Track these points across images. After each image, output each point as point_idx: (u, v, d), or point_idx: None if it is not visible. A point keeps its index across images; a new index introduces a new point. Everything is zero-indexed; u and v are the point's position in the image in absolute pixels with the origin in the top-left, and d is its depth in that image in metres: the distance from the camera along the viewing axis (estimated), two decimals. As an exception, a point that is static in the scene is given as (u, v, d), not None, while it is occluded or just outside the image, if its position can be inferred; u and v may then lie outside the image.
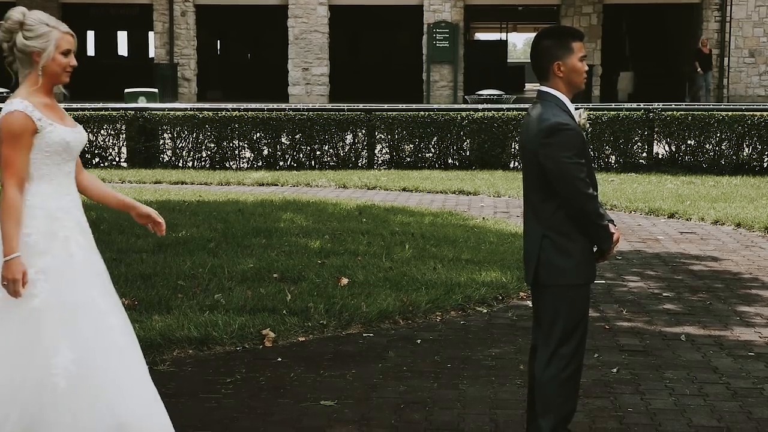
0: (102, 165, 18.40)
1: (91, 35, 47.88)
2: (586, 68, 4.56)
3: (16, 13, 4.41)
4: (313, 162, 18.14)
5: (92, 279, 4.48)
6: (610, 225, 4.59)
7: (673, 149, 17.68)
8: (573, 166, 4.38)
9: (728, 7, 32.54)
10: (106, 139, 18.54)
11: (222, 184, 15.92)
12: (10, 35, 4.39)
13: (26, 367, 4.17)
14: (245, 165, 18.29)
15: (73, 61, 4.48)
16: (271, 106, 19.01)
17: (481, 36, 59.87)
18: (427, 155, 18.08)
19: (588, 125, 4.59)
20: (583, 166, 4.43)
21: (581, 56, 4.51)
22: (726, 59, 32.58)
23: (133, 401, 4.30)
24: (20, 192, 4.27)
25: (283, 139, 18.21)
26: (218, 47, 45.88)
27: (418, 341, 6.94)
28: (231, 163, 18.33)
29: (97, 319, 4.35)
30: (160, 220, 4.76)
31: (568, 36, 4.52)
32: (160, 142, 18.49)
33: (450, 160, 18.06)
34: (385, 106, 18.86)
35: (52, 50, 4.37)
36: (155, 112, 18.63)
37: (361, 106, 18.66)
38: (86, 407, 4.18)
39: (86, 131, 18.39)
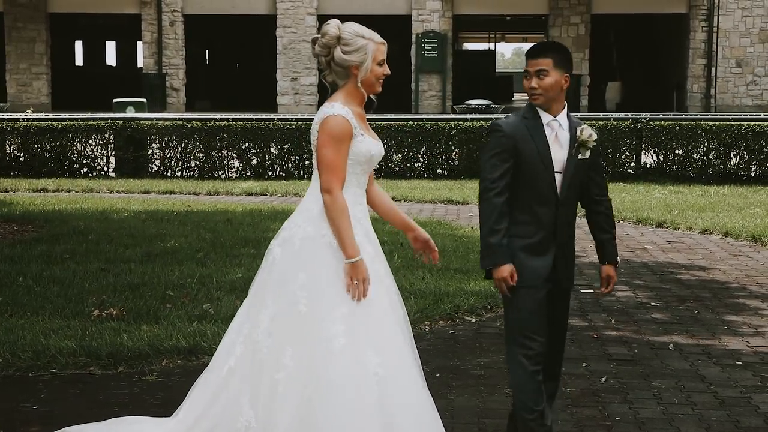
0: (90, 175, 18.36)
1: (79, 45, 47.84)
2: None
3: (332, 27, 4.44)
4: (301, 171, 18.13)
5: (379, 286, 4.45)
6: (503, 260, 4.57)
7: (661, 159, 17.73)
8: (485, 166, 4.57)
9: (715, 18, 32.69)
10: (95, 149, 18.50)
11: (211, 194, 15.90)
12: (328, 50, 4.43)
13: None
14: (234, 175, 18.28)
15: (387, 70, 4.53)
16: (259, 115, 19.01)
17: (469, 46, 60.03)
18: (416, 165, 18.09)
19: (590, 143, 4.63)
20: (496, 168, 4.53)
21: None
22: (713, 69, 32.71)
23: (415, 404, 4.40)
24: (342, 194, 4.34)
25: (271, 149, 18.20)
26: (207, 57, 45.90)
27: (407, 351, 6.94)
28: (220, 173, 18.32)
29: (387, 324, 4.41)
30: (435, 248, 4.74)
31: None
32: (149, 152, 18.46)
33: (439, 170, 18.08)
34: (374, 115, 18.85)
35: (369, 63, 4.43)
36: (144, 122, 18.60)
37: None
38: (398, 408, 4.27)
39: (74, 141, 18.33)
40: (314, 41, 4.49)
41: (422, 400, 4.43)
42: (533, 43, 4.92)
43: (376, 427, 4.21)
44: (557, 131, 4.62)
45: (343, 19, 4.65)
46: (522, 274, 4.60)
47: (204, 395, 4.52)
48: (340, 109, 4.39)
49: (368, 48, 4.44)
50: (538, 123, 4.60)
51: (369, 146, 4.48)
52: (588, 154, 4.63)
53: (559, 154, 4.61)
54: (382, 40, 4.51)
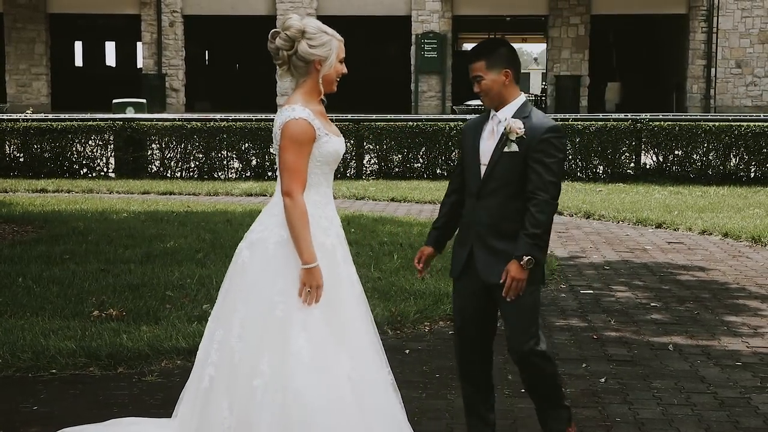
0: (90, 175, 18.37)
1: (79, 46, 47.83)
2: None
3: (296, 21, 4.40)
4: (301, 172, 18.10)
5: (350, 289, 4.46)
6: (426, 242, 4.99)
7: (661, 159, 17.74)
8: None
9: (715, 18, 32.69)
10: (94, 150, 18.52)
11: (210, 195, 15.91)
12: (292, 43, 4.37)
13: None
14: (233, 175, 18.28)
15: (345, 69, 4.48)
16: (259, 116, 19.03)
17: (469, 46, 59.99)
18: (416, 165, 18.10)
19: (512, 136, 4.63)
20: (457, 166, 4.93)
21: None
22: (713, 70, 32.71)
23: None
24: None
25: (271, 150, 18.19)
26: (206, 58, 45.90)
27: (407, 351, 6.94)
28: (219, 174, 18.32)
29: (358, 327, 4.43)
30: None
31: None
32: (149, 153, 18.47)
33: (438, 171, 18.08)
34: (374, 116, 18.89)
35: (333, 59, 4.39)
36: (143, 122, 18.62)
37: (349, 116, 18.67)
38: (372, 411, 4.31)
39: (74, 142, 18.37)
40: (274, 35, 4.40)
41: (392, 401, 4.45)
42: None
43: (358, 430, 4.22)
44: (495, 126, 4.68)
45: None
46: (451, 264, 4.87)
47: (192, 409, 4.48)
48: (301, 111, 4.33)
49: (332, 44, 4.41)
50: (485, 118, 4.74)
51: (336, 145, 4.45)
52: (514, 147, 4.59)
53: (488, 147, 4.67)
54: (341, 38, 4.49)
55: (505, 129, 4.62)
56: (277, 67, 4.48)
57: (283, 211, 4.34)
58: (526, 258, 4.52)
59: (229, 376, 4.32)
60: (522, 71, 5.17)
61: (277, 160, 4.45)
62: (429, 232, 5.00)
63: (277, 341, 4.25)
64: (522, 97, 4.72)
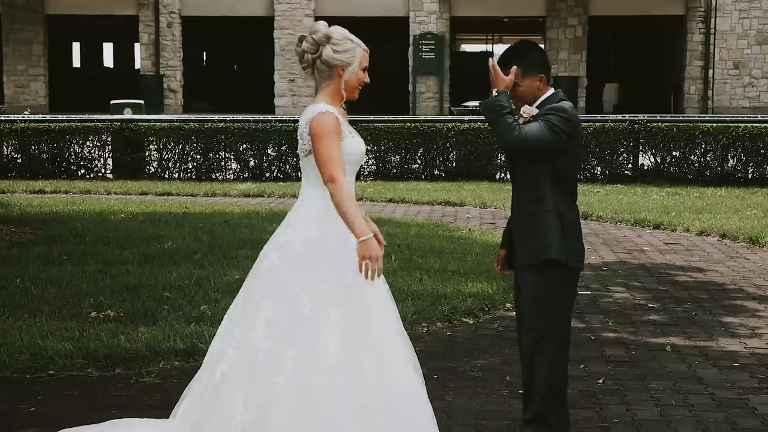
0: (88, 176, 18.36)
1: (76, 47, 47.80)
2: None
3: (322, 26, 4.51)
4: (299, 173, 18.04)
5: (379, 288, 4.49)
6: None
7: (659, 160, 17.75)
8: None
9: (712, 20, 32.70)
10: (92, 151, 18.51)
11: (208, 196, 15.90)
12: (317, 47, 4.48)
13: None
14: (231, 176, 18.28)
15: (367, 78, 4.59)
16: (257, 117, 19.03)
17: (466, 48, 60.01)
18: (414, 166, 18.10)
19: (520, 118, 4.73)
20: None
21: None
22: (710, 71, 32.73)
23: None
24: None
25: (269, 151, 18.21)
26: (204, 59, 45.87)
27: (405, 352, 6.94)
28: (217, 175, 18.32)
29: (387, 329, 4.47)
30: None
31: None
32: (146, 154, 18.46)
33: (436, 172, 18.08)
34: (371, 117, 18.88)
35: (356, 66, 4.50)
36: (141, 123, 18.61)
37: (347, 117, 18.64)
38: (398, 416, 4.34)
39: (71, 143, 18.33)
40: (302, 39, 4.52)
41: (421, 404, 4.44)
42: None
43: None
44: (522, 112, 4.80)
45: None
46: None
47: (199, 402, 4.50)
48: (326, 107, 4.44)
49: (356, 52, 4.51)
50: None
51: (359, 145, 4.56)
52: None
53: None
54: (367, 48, 4.58)
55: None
56: (302, 70, 4.58)
57: (310, 211, 4.44)
58: (494, 92, 4.63)
59: (248, 373, 4.33)
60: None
61: (301, 164, 4.53)
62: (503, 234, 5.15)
63: (302, 339, 4.29)
64: (551, 91, 4.79)
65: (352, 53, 4.49)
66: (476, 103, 22.91)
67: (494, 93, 4.64)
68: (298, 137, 4.52)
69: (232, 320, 4.55)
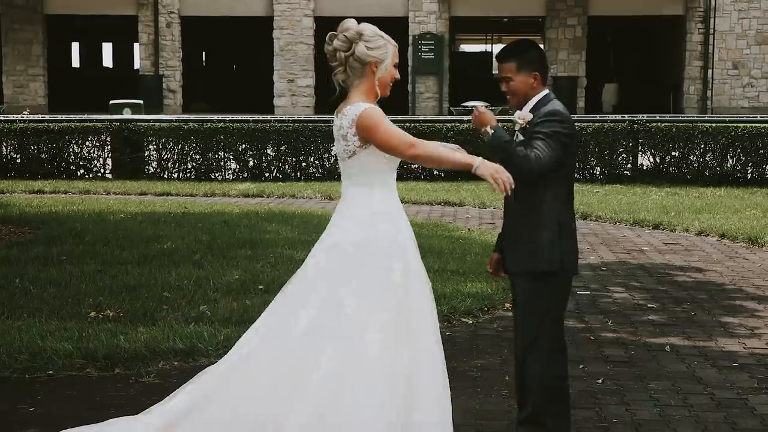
0: (87, 177, 18.35)
1: (76, 47, 47.79)
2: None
3: (353, 24, 4.52)
4: (298, 173, 18.13)
5: (422, 287, 4.57)
6: None
7: (658, 161, 17.75)
8: None
9: (712, 20, 32.70)
10: (91, 151, 18.51)
11: (207, 196, 15.90)
12: (350, 45, 4.48)
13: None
14: (231, 176, 18.28)
15: (398, 75, 4.59)
16: (256, 117, 19.03)
17: (466, 48, 60.01)
18: (413, 166, 18.08)
19: (515, 126, 4.76)
20: None
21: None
22: (710, 71, 32.72)
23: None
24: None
25: (268, 151, 18.21)
26: (204, 59, 45.86)
27: (404, 352, 6.94)
28: (216, 175, 18.32)
29: (426, 337, 4.49)
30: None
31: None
32: (146, 154, 18.46)
33: (435, 171, 18.08)
34: (371, 117, 18.85)
35: (389, 62, 4.50)
36: (140, 123, 18.61)
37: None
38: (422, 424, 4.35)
39: (71, 143, 18.29)
40: (332, 37, 4.51)
41: (445, 415, 4.48)
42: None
43: None
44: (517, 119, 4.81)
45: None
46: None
47: (213, 379, 4.53)
48: (366, 105, 4.45)
49: (388, 48, 4.52)
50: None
51: None
52: (520, 136, 4.73)
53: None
54: (396, 44, 4.60)
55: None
56: (334, 70, 4.56)
57: (360, 212, 4.44)
58: (491, 130, 4.63)
59: (282, 367, 4.33)
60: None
61: (343, 165, 4.53)
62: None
63: (343, 338, 4.30)
64: (543, 92, 4.76)
65: (385, 49, 4.50)
66: (476, 103, 22.91)
67: (490, 132, 4.61)
68: (339, 139, 4.49)
69: (271, 315, 4.55)
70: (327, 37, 4.54)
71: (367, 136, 4.41)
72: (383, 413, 4.24)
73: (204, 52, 45.57)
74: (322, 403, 4.23)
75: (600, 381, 6.32)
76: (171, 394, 4.72)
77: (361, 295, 4.34)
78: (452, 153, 4.41)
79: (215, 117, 19.28)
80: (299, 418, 4.23)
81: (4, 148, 18.48)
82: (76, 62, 48.21)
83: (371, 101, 4.50)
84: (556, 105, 4.69)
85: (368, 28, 4.51)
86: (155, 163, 18.44)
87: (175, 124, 18.51)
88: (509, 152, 4.58)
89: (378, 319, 4.31)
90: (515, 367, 4.96)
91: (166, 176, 18.29)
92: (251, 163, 18.26)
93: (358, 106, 4.42)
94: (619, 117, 18.87)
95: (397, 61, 4.56)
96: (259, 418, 4.31)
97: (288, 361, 4.34)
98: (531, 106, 4.74)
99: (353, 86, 4.52)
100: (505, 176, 4.30)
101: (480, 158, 4.36)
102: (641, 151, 17.87)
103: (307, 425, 4.22)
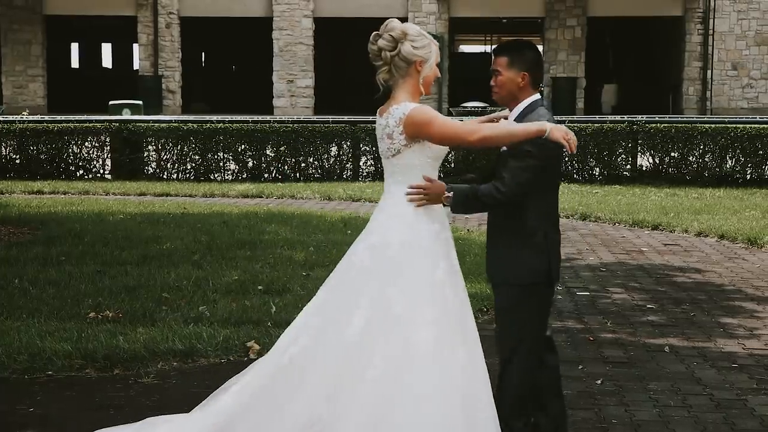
0: (86, 177, 18.35)
1: (75, 47, 47.80)
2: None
3: (398, 23, 4.54)
4: (297, 174, 18.14)
5: (462, 282, 4.56)
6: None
7: (657, 161, 17.76)
8: None
9: (711, 21, 32.71)
10: (91, 152, 18.50)
11: (206, 196, 15.90)
12: (395, 44, 4.49)
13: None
14: (230, 177, 18.28)
15: (439, 73, 4.62)
16: (255, 118, 19.05)
17: (465, 48, 60.02)
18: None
19: None
20: None
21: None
22: (709, 72, 32.74)
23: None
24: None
25: (267, 151, 18.20)
26: (203, 59, 45.87)
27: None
28: (216, 175, 18.31)
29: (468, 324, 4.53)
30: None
31: None
32: (145, 154, 18.46)
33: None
34: (370, 118, 18.85)
35: (433, 60, 4.54)
36: (140, 124, 18.62)
37: (345, 118, 18.69)
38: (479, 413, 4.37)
39: (70, 143, 18.28)
40: (376, 37, 4.52)
41: (490, 406, 4.50)
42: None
43: None
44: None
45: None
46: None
47: (260, 379, 4.52)
48: (412, 104, 4.45)
49: (432, 47, 4.55)
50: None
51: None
52: (503, 146, 4.64)
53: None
54: (437, 42, 4.64)
55: None
56: (378, 70, 4.55)
57: (404, 211, 4.44)
58: (449, 194, 4.51)
59: (335, 368, 4.32)
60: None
61: (386, 164, 4.53)
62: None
63: (393, 338, 4.30)
64: (533, 97, 4.71)
65: (429, 48, 4.53)
66: (475, 103, 22.91)
67: (449, 196, 4.48)
68: (383, 138, 4.48)
69: (313, 313, 4.53)
70: (371, 36, 4.54)
71: (420, 132, 4.41)
72: (442, 409, 4.24)
73: (203, 53, 45.58)
74: (378, 402, 4.23)
75: (599, 382, 6.32)
76: (213, 394, 4.70)
77: (409, 294, 4.34)
78: (523, 126, 4.41)
79: (214, 117, 19.31)
80: (357, 418, 4.22)
81: (3, 148, 18.47)
82: (75, 63, 48.23)
83: (416, 100, 4.51)
84: (541, 114, 4.59)
85: (413, 28, 4.55)
86: (154, 163, 18.44)
87: (174, 124, 18.51)
88: (476, 198, 4.53)
89: (427, 317, 4.32)
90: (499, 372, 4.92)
91: (165, 177, 18.29)
92: (250, 164, 18.26)
93: (406, 105, 4.44)
94: (618, 118, 18.89)
95: (438, 60, 4.59)
96: (312, 419, 4.30)
97: (341, 362, 4.33)
98: (518, 113, 4.67)
99: (398, 85, 4.53)
100: (569, 135, 4.36)
101: (549, 123, 4.39)
102: (640, 151, 17.88)
103: (365, 425, 4.21)
